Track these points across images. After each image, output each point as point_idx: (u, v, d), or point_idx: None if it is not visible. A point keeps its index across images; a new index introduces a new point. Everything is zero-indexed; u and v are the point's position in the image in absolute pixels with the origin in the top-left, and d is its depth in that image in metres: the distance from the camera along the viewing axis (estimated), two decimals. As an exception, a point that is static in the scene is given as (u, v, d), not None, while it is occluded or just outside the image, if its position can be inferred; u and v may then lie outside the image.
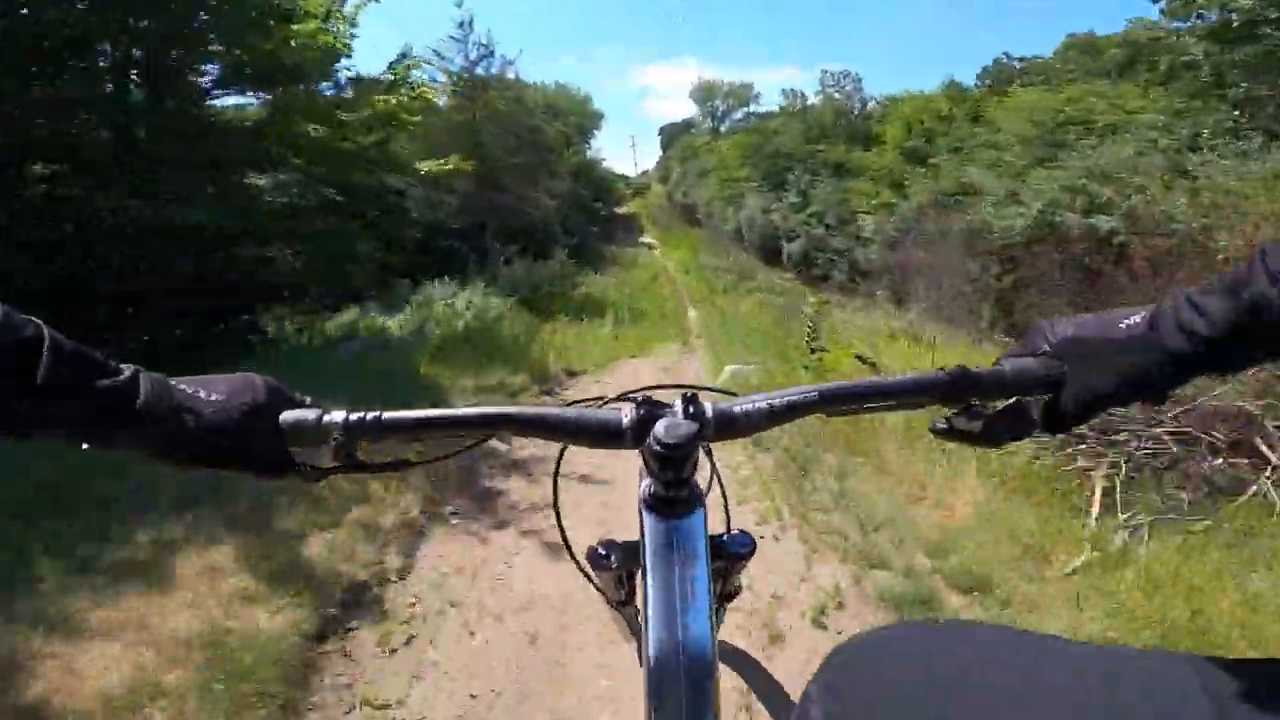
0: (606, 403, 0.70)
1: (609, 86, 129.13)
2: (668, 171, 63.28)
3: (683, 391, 0.62)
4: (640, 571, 0.59)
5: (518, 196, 21.26)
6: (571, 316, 15.10)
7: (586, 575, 0.73)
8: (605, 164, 58.16)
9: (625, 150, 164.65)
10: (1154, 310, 0.57)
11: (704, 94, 70.17)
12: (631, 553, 0.63)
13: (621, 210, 57.81)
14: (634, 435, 0.58)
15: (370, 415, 0.59)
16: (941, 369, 0.62)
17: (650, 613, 0.55)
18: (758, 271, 26.71)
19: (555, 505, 0.78)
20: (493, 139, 20.09)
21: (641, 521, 0.61)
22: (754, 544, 0.68)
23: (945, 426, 0.64)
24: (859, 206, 21.22)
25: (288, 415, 0.58)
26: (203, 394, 0.55)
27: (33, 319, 0.48)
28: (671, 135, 75.45)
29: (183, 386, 0.55)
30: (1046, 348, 0.61)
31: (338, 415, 0.59)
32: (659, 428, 0.56)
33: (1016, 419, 0.61)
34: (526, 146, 21.48)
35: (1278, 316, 0.48)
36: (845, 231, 21.62)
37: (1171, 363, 0.54)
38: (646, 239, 42.17)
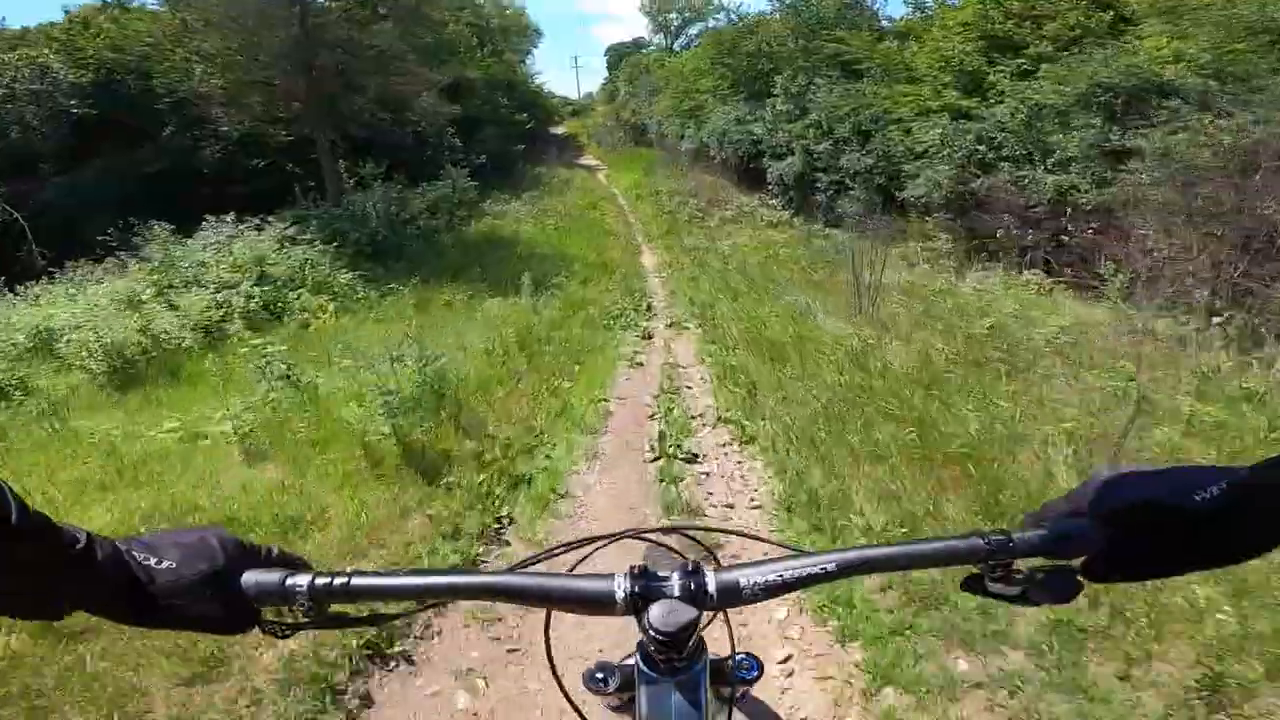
0: (595, 545, 0.69)
1: (552, 7, 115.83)
2: (614, 92, 55.03)
3: (683, 560, 0.58)
4: (636, 709, 0.57)
5: (379, 99, 13.87)
6: (452, 279, 8.85)
7: (576, 710, 0.68)
8: (543, 84, 49.52)
9: (568, 74, 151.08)
10: (1229, 482, 0.49)
11: (657, 5, 61.38)
12: (628, 675, 0.63)
13: (559, 131, 49.95)
14: (627, 607, 0.55)
15: (338, 581, 0.56)
16: (978, 534, 0.57)
17: None
18: (732, 197, 20.05)
19: (553, 668, 0.70)
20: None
21: (638, 669, 0.58)
22: (761, 668, 0.67)
23: (977, 585, 0.59)
24: (897, 113, 14.59)
25: (249, 577, 0.56)
26: (153, 561, 0.54)
27: None
28: (620, 54, 66.17)
29: (135, 553, 0.54)
30: (1100, 510, 0.54)
31: (303, 579, 0.56)
32: (653, 613, 0.53)
33: (1059, 584, 0.55)
34: (400, 20, 13.80)
35: None
36: (869, 149, 15.05)
37: (1249, 539, 0.48)
38: (588, 160, 37.80)
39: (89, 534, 0.52)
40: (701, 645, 0.58)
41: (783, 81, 20.37)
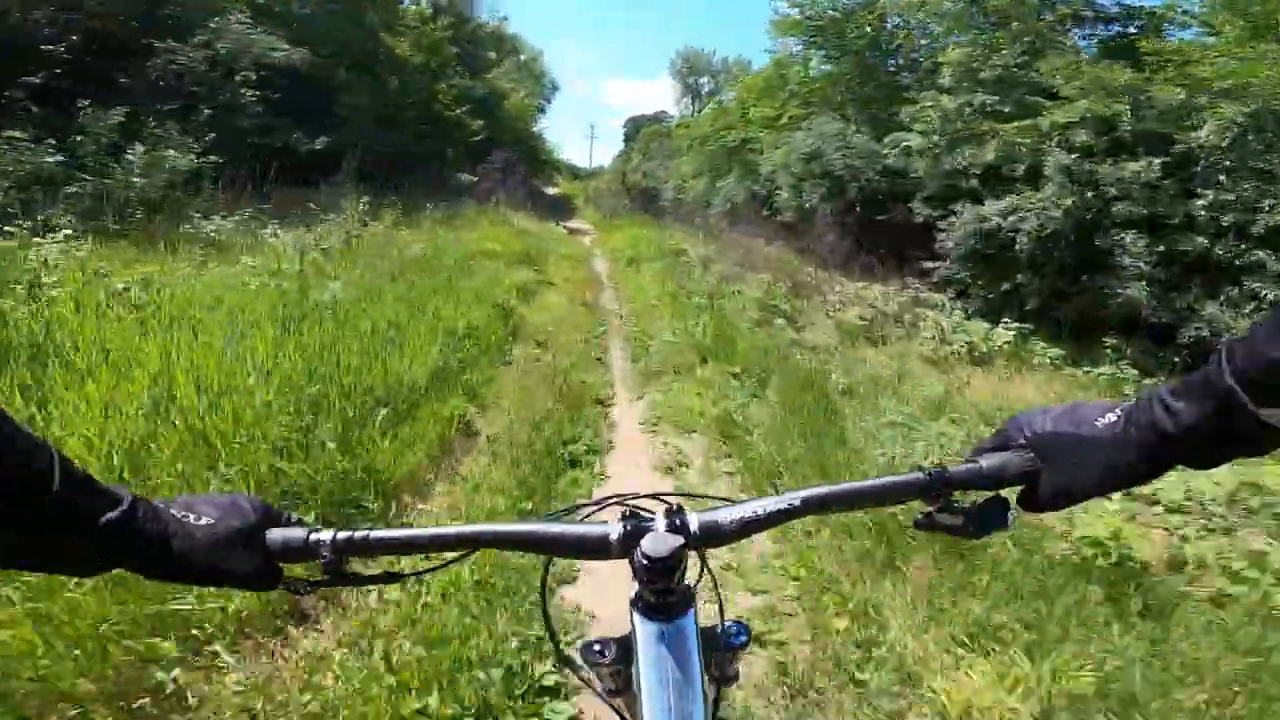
0: (590, 509, 0.75)
1: (576, 89, 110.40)
2: (627, 162, 45.46)
3: (667, 504, 0.64)
4: (634, 670, 0.60)
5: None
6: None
7: (574, 670, 0.73)
8: (546, 140, 40.36)
9: (582, 142, 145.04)
10: (1127, 408, 0.57)
11: (687, 67, 53.32)
12: (625, 647, 0.65)
13: (551, 190, 40.00)
14: (620, 548, 0.60)
15: (359, 534, 0.60)
16: (919, 468, 0.63)
17: (647, 710, 0.57)
18: (826, 282, 8.68)
19: (545, 617, 0.75)
20: None
21: (633, 622, 0.62)
22: (750, 633, 0.71)
23: (927, 521, 0.65)
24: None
25: (274, 534, 0.60)
26: (191, 518, 0.57)
27: (44, 444, 0.49)
28: (638, 125, 57.14)
29: (174, 511, 0.57)
30: (1021, 441, 0.62)
31: (325, 534, 0.60)
32: (645, 543, 0.57)
33: (995, 511, 0.63)
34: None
35: (1246, 416, 0.49)
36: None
37: (1145, 460, 0.55)
38: (577, 223, 29.29)
39: (131, 495, 0.55)
40: (690, 594, 0.61)
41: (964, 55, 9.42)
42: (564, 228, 24.67)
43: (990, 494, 0.63)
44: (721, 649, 0.70)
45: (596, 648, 0.69)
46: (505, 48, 33.20)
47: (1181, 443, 0.53)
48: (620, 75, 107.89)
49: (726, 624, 0.71)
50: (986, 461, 0.62)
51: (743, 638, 0.71)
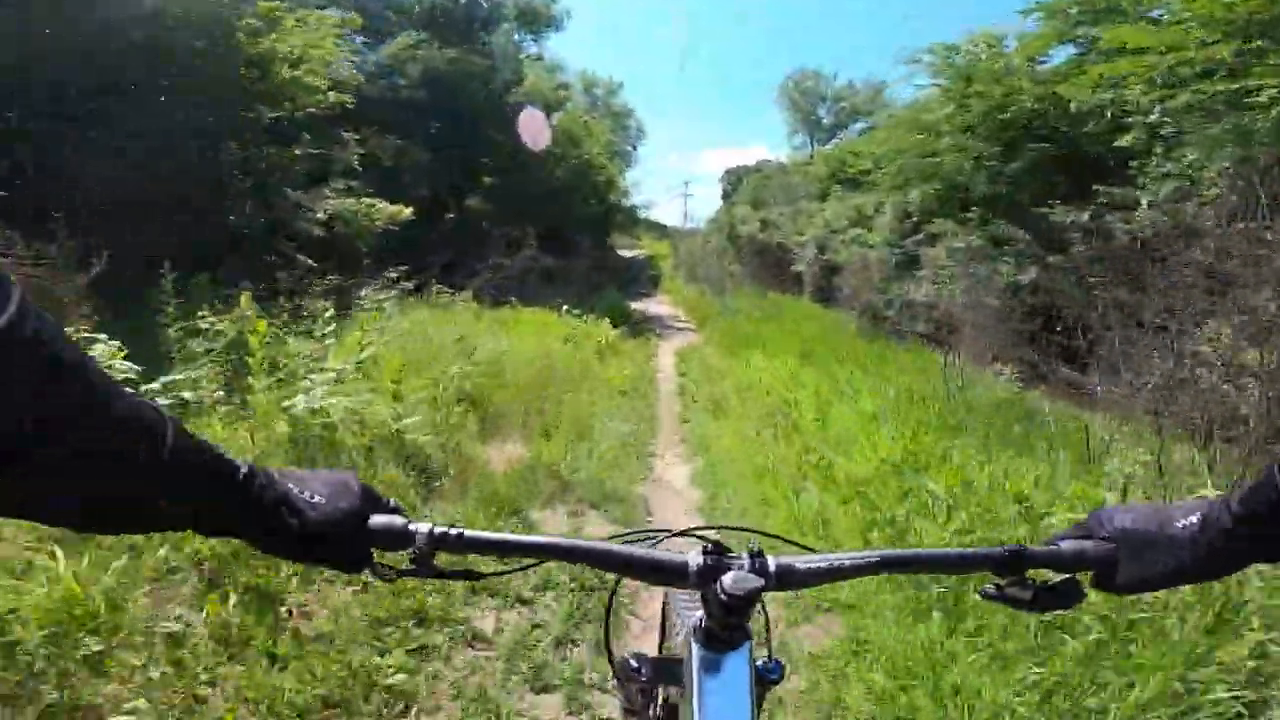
0: (668, 537, 0.81)
1: (670, 161, 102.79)
2: (731, 212, 35.00)
3: (749, 543, 0.66)
4: (683, 696, 0.63)
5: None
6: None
7: (619, 676, 0.75)
8: (629, 194, 31.21)
9: (675, 203, 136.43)
10: (1204, 514, 0.61)
11: (799, 93, 42.97)
12: (662, 670, 0.69)
13: (630, 253, 29.76)
14: (698, 579, 0.62)
15: (454, 531, 0.62)
16: (1001, 545, 0.65)
17: None
18: None
19: (606, 627, 0.82)
20: None
21: (690, 650, 0.64)
22: (784, 670, 0.73)
23: (995, 592, 0.66)
24: None
25: (376, 519, 0.61)
26: (306, 493, 0.58)
27: (159, 410, 0.50)
28: (739, 176, 46.50)
29: (289, 484, 0.58)
30: (1103, 534, 0.65)
31: (424, 526, 0.62)
32: (726, 579, 0.60)
33: (1067, 594, 0.65)
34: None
35: None
36: None
37: (1217, 557, 0.60)
38: (659, 304, 20.45)
39: (250, 464, 0.56)
40: (749, 632, 0.63)
41: None
42: (636, 314, 14.04)
43: (1064, 576, 0.65)
44: (761, 683, 0.69)
45: (634, 664, 0.69)
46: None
47: (1244, 538, 0.58)
48: (714, 145, 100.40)
49: (769, 661, 0.72)
50: (1067, 546, 0.65)
51: (776, 673, 0.72)
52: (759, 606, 0.70)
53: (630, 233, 44.34)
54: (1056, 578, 0.65)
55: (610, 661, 0.77)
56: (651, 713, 0.73)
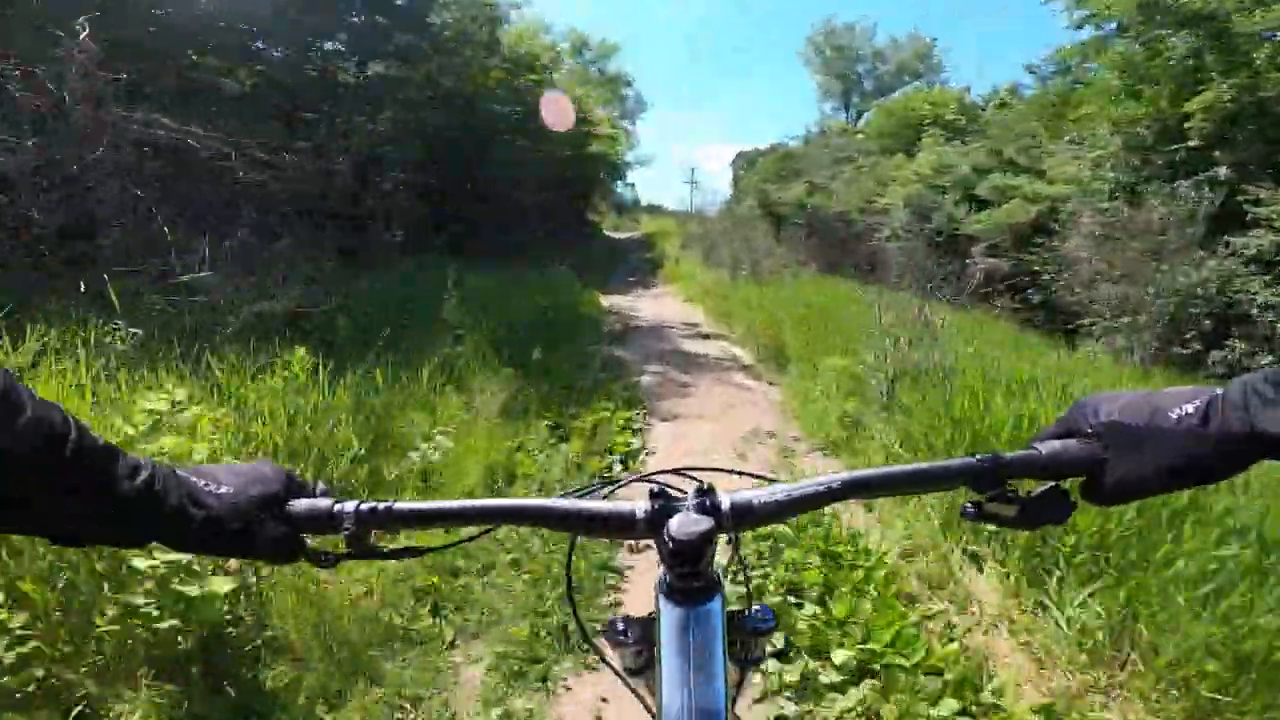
0: (620, 486, 0.72)
1: (676, 154, 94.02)
2: (757, 183, 27.15)
3: (699, 483, 0.60)
4: (656, 655, 0.58)
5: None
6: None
7: (597, 652, 0.72)
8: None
9: (680, 190, 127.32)
10: (1208, 398, 0.53)
11: (835, 54, 35.18)
12: (647, 627, 0.64)
13: (622, 235, 22.06)
14: (648, 527, 0.57)
15: (382, 506, 0.58)
16: (973, 454, 0.59)
17: (666, 696, 0.55)
18: None
19: (569, 593, 0.76)
20: None
21: (657, 605, 0.59)
22: (776, 619, 0.68)
23: (975, 510, 0.59)
24: None
25: (298, 504, 0.58)
26: (212, 486, 0.56)
27: (59, 411, 0.48)
28: (751, 160, 38.47)
29: (194, 479, 0.56)
30: (1088, 429, 0.57)
31: (349, 505, 0.58)
32: (673, 524, 0.55)
33: (1053, 503, 0.57)
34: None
35: None
36: None
37: (1228, 456, 0.52)
38: (662, 294, 12.69)
39: (151, 463, 0.53)
40: (718, 579, 0.58)
41: None
42: (608, 319, 6.07)
43: (1048, 484, 0.58)
44: (748, 634, 0.66)
45: (620, 627, 0.66)
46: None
47: (1270, 437, 0.49)
48: (719, 141, 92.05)
49: (754, 609, 0.67)
50: (1046, 448, 0.57)
51: (770, 623, 0.67)
52: (735, 552, 0.71)
53: (631, 215, 36.92)
54: (1043, 485, 0.57)
55: (578, 623, 0.72)
56: (653, 674, 0.60)
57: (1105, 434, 0.55)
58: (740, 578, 0.78)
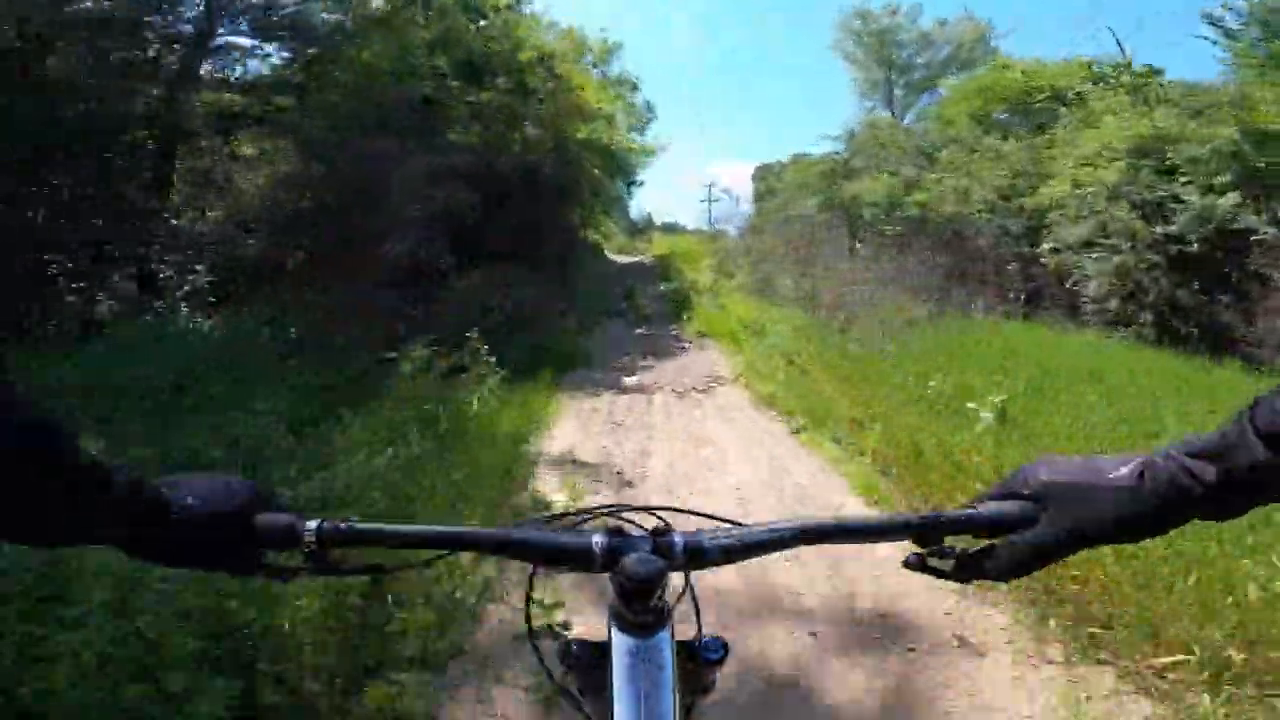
0: (579, 518, 0.74)
1: (685, 173, 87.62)
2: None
3: (656, 521, 0.63)
4: (608, 683, 0.60)
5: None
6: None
7: (553, 679, 0.72)
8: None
9: (697, 208, 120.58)
10: (1142, 463, 0.56)
11: (875, 42, 29.85)
12: (602, 651, 0.64)
13: (625, 258, 16.05)
14: (602, 563, 0.59)
15: (344, 524, 0.59)
16: (915, 511, 0.68)
17: None
18: None
19: (529, 623, 0.76)
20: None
21: (609, 634, 0.61)
22: (726, 649, 0.69)
23: (917, 562, 0.62)
24: None
25: (262, 519, 0.58)
26: (178, 495, 0.56)
27: (46, 414, 0.48)
28: (772, 172, 32.87)
29: (162, 488, 0.55)
30: (1025, 490, 0.59)
31: (311, 523, 0.58)
32: (626, 562, 0.57)
33: (988, 561, 0.60)
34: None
35: (1274, 476, 0.50)
36: None
37: (1160, 514, 0.54)
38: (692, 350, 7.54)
39: (114, 464, 0.52)
40: (667, 612, 0.61)
41: None
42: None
43: (986, 544, 0.61)
44: (699, 663, 0.67)
45: (574, 649, 0.67)
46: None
47: (1201, 502, 0.52)
48: (728, 158, 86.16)
49: (704, 639, 0.68)
50: (985, 509, 0.60)
51: (719, 653, 0.67)
52: (685, 587, 0.72)
53: (644, 236, 31.47)
54: (982, 542, 0.61)
55: (536, 654, 0.73)
56: (602, 694, 0.63)
57: (1043, 494, 0.57)
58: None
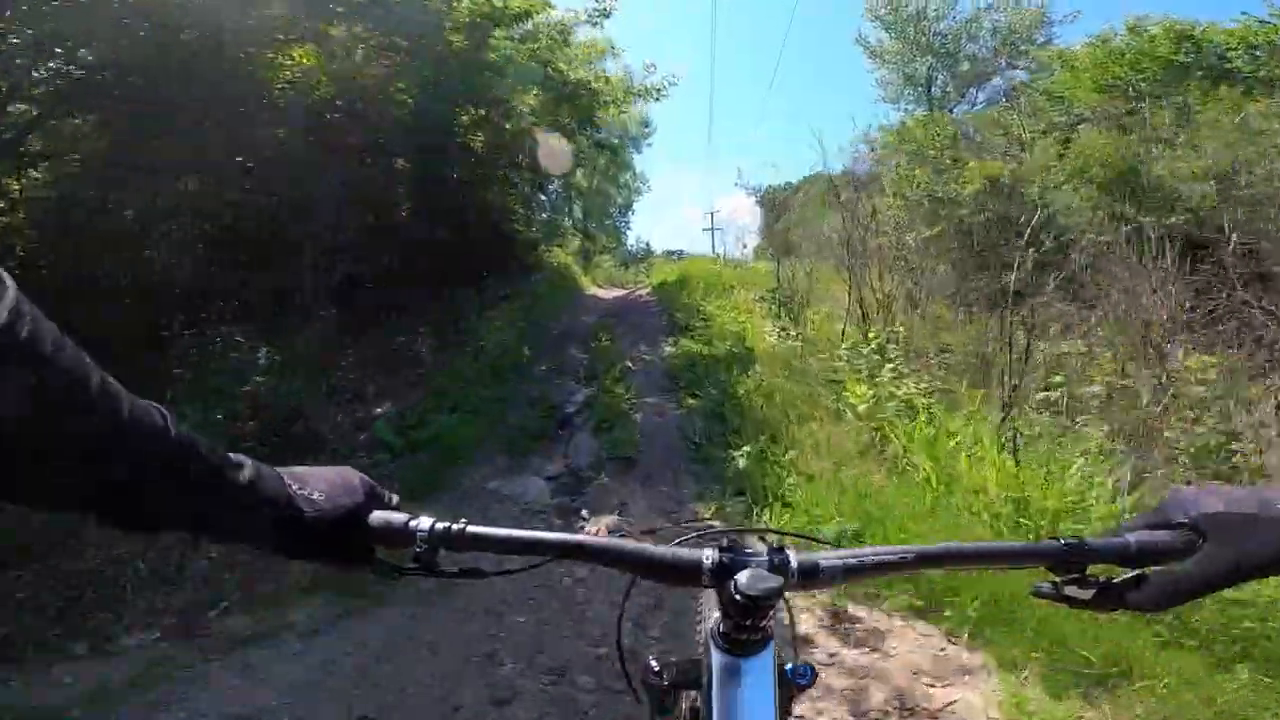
0: (685, 539, 0.71)
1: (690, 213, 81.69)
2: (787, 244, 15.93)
3: (769, 540, 0.62)
4: (703, 700, 0.59)
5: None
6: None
7: (638, 695, 0.72)
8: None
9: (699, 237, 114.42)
10: None
11: (913, 30, 25.12)
12: (683, 673, 0.66)
13: (609, 295, 10.17)
14: (713, 578, 0.57)
15: (455, 527, 0.59)
16: (1055, 538, 0.58)
17: None
18: None
19: (618, 631, 0.80)
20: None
21: (709, 654, 0.59)
22: (815, 675, 0.67)
23: (1050, 590, 0.57)
24: None
25: (377, 516, 0.59)
26: (308, 490, 0.57)
27: (153, 403, 0.49)
28: (786, 197, 27.64)
29: (291, 483, 0.56)
30: (1184, 519, 0.54)
31: (424, 522, 0.59)
32: (742, 578, 0.54)
33: (1133, 592, 0.54)
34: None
35: None
36: None
37: None
38: None
39: (254, 461, 0.54)
40: (770, 634, 0.58)
41: None
42: None
43: (1134, 573, 0.55)
44: (789, 687, 0.65)
45: (655, 668, 0.67)
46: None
47: None
48: (729, 193, 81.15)
49: (798, 663, 0.66)
50: (1136, 538, 0.55)
51: (808, 678, 0.66)
52: (782, 606, 0.66)
53: (644, 264, 26.18)
54: (1123, 572, 0.56)
55: (622, 667, 0.75)
56: (677, 715, 0.67)
57: (1203, 524, 0.53)
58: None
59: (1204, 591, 0.52)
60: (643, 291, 13.36)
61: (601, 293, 13.63)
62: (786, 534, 0.72)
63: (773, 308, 7.54)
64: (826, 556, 0.57)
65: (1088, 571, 0.56)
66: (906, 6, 25.33)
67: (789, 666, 0.64)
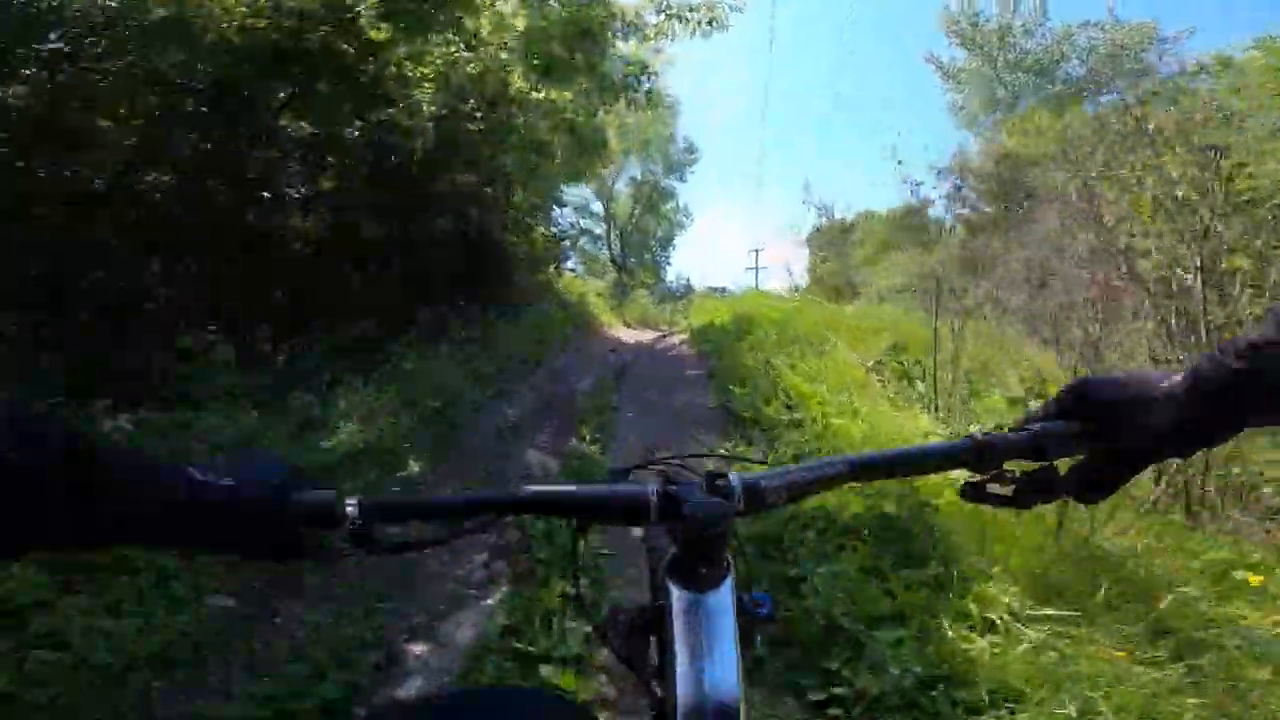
0: (626, 472, 0.69)
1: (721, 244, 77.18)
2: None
3: (709, 465, 0.61)
4: (667, 640, 0.57)
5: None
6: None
7: (604, 640, 0.69)
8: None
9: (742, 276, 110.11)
10: (1195, 364, 0.53)
11: (993, 46, 22.05)
12: (645, 617, 0.63)
13: (633, 334, 7.24)
14: (660, 512, 0.55)
15: (387, 500, 0.56)
16: (967, 437, 0.60)
17: (680, 684, 0.54)
18: None
19: (575, 579, 0.75)
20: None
21: (666, 590, 0.58)
22: (774, 605, 0.67)
23: (973, 491, 0.61)
24: None
25: (299, 498, 0.53)
26: (211, 477, 0.50)
27: (53, 416, 0.46)
28: (844, 229, 24.31)
29: (192, 472, 0.50)
30: (1080, 407, 0.57)
31: (353, 499, 0.55)
32: (689, 509, 0.54)
33: (1045, 483, 0.58)
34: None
35: None
36: None
37: (1216, 414, 0.52)
38: None
39: (152, 456, 0.50)
40: (728, 565, 0.58)
41: None
42: None
43: (1039, 466, 0.59)
44: (746, 618, 0.62)
45: (620, 617, 0.65)
46: None
47: (1249, 391, 0.49)
48: (775, 234, 78.51)
49: (752, 594, 0.65)
50: (1039, 429, 0.58)
51: (766, 609, 0.65)
52: (735, 536, 0.68)
53: (684, 302, 23.04)
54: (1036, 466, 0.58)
55: (585, 616, 0.74)
56: (648, 661, 0.63)
57: (1096, 411, 0.55)
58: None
59: (1114, 478, 0.55)
60: (676, 339, 10.08)
61: (625, 334, 10.49)
62: (724, 456, 0.52)
63: (920, 389, 4.29)
64: (766, 476, 0.56)
65: (1006, 468, 0.58)
66: (988, 23, 22.54)
67: (744, 597, 0.61)
